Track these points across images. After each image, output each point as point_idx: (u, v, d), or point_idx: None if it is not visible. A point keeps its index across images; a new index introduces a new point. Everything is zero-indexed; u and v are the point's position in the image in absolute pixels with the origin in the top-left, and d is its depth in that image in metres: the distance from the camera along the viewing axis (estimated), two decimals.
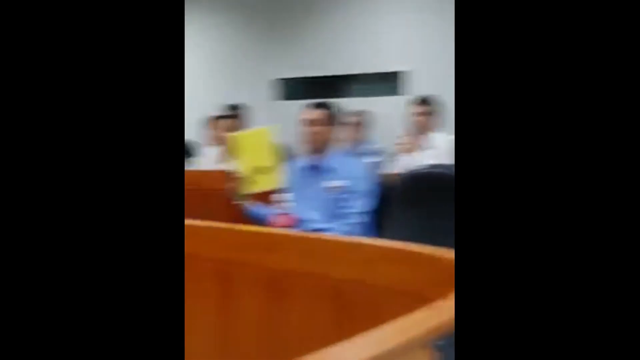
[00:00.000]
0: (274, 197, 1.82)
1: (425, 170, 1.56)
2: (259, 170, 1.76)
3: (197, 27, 4.28)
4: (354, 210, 1.78)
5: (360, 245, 1.04)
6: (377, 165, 2.47)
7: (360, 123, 2.95)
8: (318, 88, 3.89)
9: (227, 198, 1.90)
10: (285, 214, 1.77)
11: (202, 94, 4.06)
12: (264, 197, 1.85)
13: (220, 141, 2.64)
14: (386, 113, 3.37)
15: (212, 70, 4.42)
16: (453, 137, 2.11)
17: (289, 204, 1.80)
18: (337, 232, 1.70)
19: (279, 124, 2.18)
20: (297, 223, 1.75)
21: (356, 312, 0.96)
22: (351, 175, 1.82)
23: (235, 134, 2.00)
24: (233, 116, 2.90)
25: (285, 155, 2.16)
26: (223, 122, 2.75)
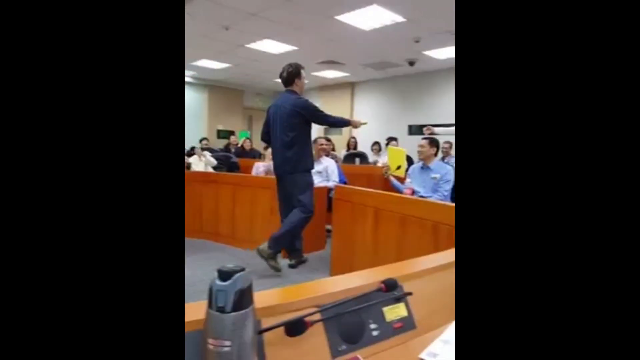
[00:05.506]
0: (404, 179, 3.77)
1: None
2: (398, 165, 3.78)
3: (369, 101, 9.48)
4: (443, 189, 3.35)
5: (445, 205, 2.46)
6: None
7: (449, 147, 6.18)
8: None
9: (383, 177, 3.98)
10: (409, 187, 3.52)
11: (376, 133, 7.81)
12: (400, 179, 3.83)
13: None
14: None
15: (380, 121, 8.56)
16: None
17: (410, 183, 3.56)
18: (434, 199, 3.23)
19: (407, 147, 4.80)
20: (414, 193, 3.43)
21: (442, 239, 2.17)
22: (442, 172, 3.42)
23: (390, 148, 4.65)
24: (393, 139, 6.81)
25: (411, 160, 4.77)
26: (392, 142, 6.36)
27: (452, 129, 4.63)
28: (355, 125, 3.47)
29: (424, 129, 4.58)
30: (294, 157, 3.21)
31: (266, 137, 3.50)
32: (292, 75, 3.32)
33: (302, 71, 3.35)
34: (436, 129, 4.23)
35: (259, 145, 7.06)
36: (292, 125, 3.20)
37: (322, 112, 3.33)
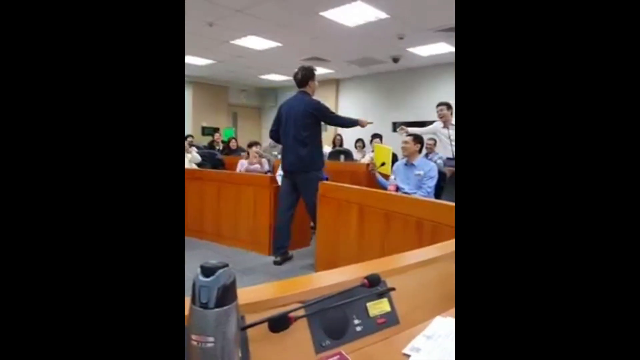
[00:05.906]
0: (389, 176, 3.71)
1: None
2: (382, 162, 3.79)
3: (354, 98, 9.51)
4: (427, 185, 3.38)
5: (429, 201, 2.58)
6: (438, 165, 4.16)
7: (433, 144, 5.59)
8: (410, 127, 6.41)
9: (368, 174, 4.07)
10: (393, 184, 3.56)
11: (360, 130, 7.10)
12: (385, 175, 3.80)
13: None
14: None
15: (365, 118, 7.35)
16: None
17: (395, 179, 3.61)
18: (418, 195, 3.25)
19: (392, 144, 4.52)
20: (399, 189, 3.49)
21: (426, 235, 2.20)
22: (426, 169, 3.44)
23: (377, 145, 4.87)
24: (378, 135, 6.54)
25: (395, 157, 4.34)
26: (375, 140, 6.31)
27: (426, 128, 4.75)
28: (363, 124, 3.61)
29: (398, 128, 4.68)
30: (308, 157, 3.41)
31: (275, 135, 3.64)
32: (306, 77, 3.52)
33: (315, 73, 3.58)
34: (409, 129, 4.28)
35: (243, 143, 7.02)
36: (306, 125, 3.39)
37: (333, 113, 3.63)
